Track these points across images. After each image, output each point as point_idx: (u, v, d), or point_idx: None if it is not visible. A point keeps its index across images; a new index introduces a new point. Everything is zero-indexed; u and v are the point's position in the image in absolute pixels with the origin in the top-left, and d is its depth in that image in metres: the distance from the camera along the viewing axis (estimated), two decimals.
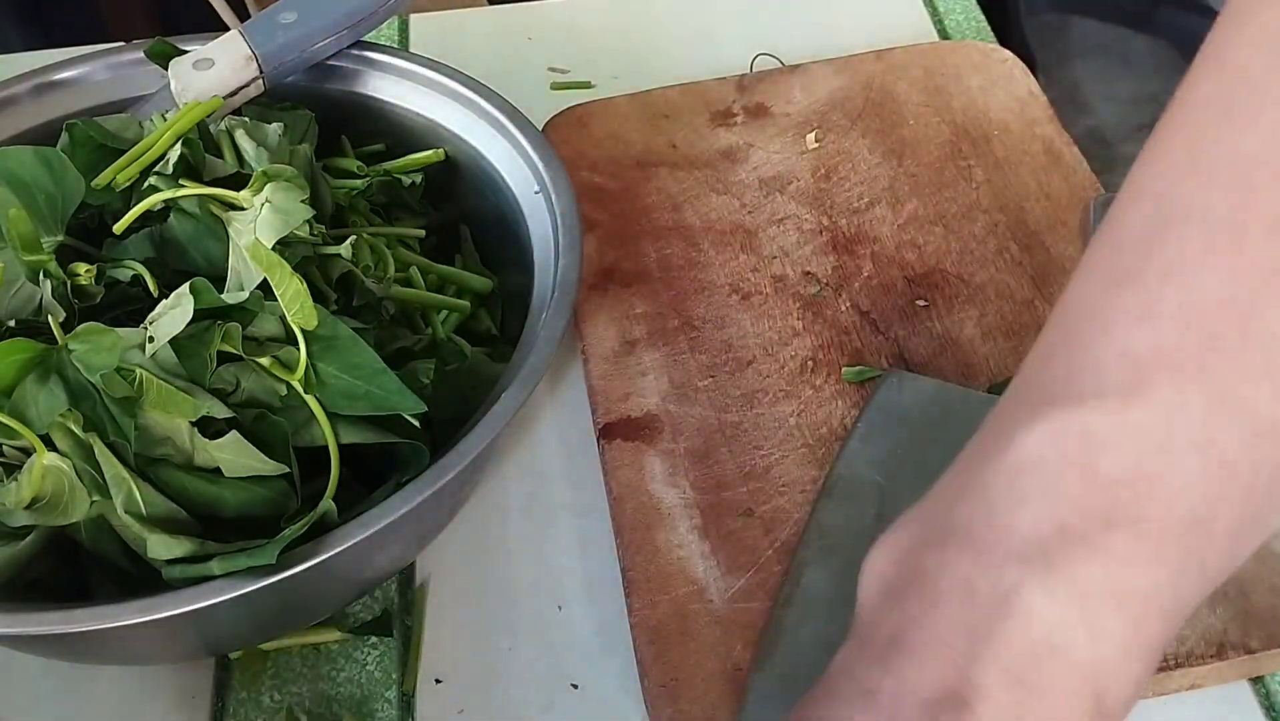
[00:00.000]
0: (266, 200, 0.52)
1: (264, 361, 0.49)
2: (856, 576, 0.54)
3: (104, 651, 0.52)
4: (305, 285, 0.49)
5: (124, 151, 0.57)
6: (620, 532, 0.57)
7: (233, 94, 0.62)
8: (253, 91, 0.63)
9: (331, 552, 0.46)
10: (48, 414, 0.47)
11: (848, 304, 0.67)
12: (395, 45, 0.87)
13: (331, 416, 0.50)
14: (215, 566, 0.45)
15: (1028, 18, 2.08)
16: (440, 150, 0.64)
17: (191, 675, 0.55)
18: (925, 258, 0.69)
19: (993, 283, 0.67)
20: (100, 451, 0.47)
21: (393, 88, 0.66)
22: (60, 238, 0.55)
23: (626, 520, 0.58)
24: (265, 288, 0.50)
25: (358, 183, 0.62)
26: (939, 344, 0.64)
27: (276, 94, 0.64)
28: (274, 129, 0.58)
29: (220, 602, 0.45)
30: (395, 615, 0.57)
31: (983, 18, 0.86)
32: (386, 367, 0.50)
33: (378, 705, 0.54)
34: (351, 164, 0.63)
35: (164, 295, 0.51)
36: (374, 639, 0.56)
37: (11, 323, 0.52)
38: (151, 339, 0.49)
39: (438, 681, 0.55)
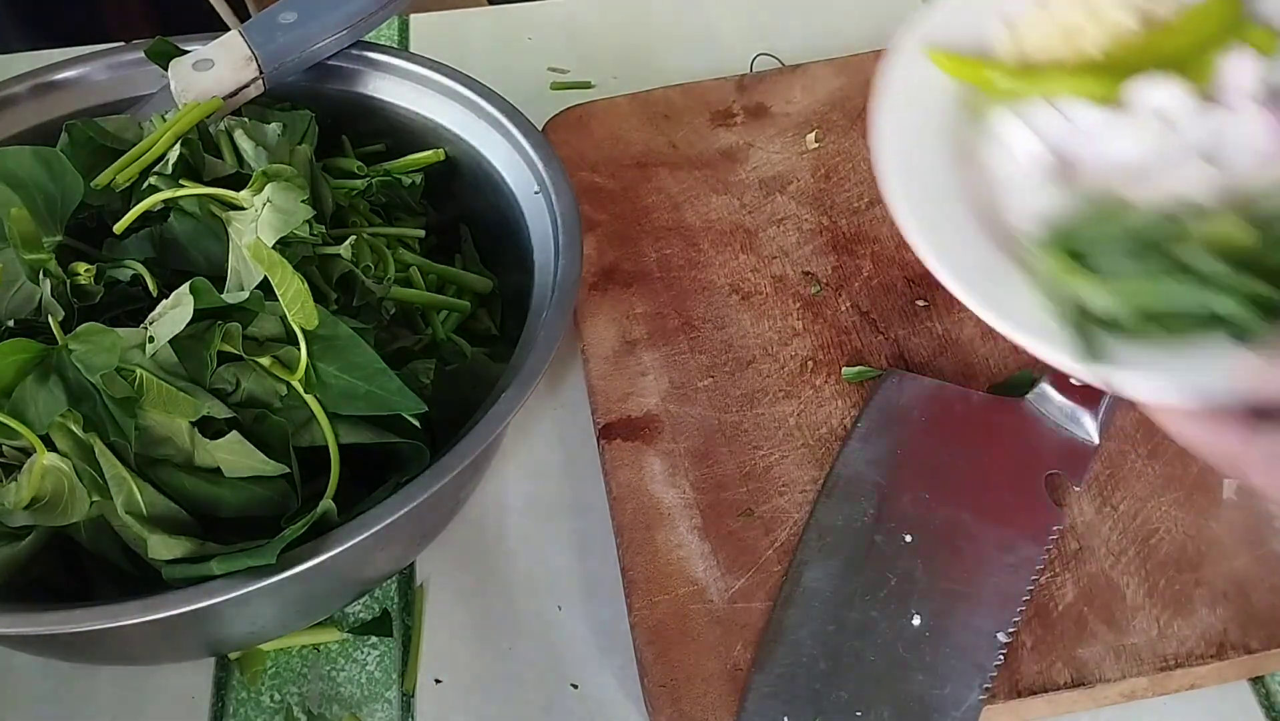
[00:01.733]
0: (267, 200, 0.52)
1: (264, 361, 0.49)
2: (856, 576, 0.54)
3: (104, 651, 0.52)
4: (306, 285, 0.49)
5: (123, 152, 0.57)
6: (620, 532, 0.57)
7: (233, 94, 0.62)
8: (253, 92, 0.63)
9: (331, 553, 0.46)
10: (48, 414, 0.47)
11: (848, 304, 0.67)
12: (395, 45, 0.87)
13: (331, 416, 0.50)
14: (215, 566, 0.45)
15: None
16: (440, 150, 0.64)
17: (191, 675, 0.55)
18: None
19: None
20: (100, 451, 0.47)
21: (393, 88, 0.66)
22: (59, 238, 0.55)
23: (626, 520, 0.58)
24: (265, 287, 0.50)
25: (358, 183, 0.62)
26: (939, 344, 0.64)
27: (276, 94, 0.64)
28: (273, 129, 0.58)
29: (220, 602, 0.45)
30: (395, 615, 0.57)
31: None
32: (387, 368, 0.50)
33: (378, 705, 0.54)
34: (351, 164, 0.63)
35: (164, 295, 0.51)
36: (374, 639, 0.56)
37: (11, 323, 0.52)
38: (152, 339, 0.49)
39: (438, 681, 0.55)
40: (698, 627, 0.54)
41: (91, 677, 0.55)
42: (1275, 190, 0.47)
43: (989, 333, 0.64)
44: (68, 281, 0.53)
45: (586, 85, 0.83)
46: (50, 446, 0.47)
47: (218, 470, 0.49)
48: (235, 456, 0.49)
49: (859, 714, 0.50)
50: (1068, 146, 0.52)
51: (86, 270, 0.53)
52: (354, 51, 0.65)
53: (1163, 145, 0.50)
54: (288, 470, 0.49)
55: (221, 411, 0.49)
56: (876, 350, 0.64)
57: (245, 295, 0.50)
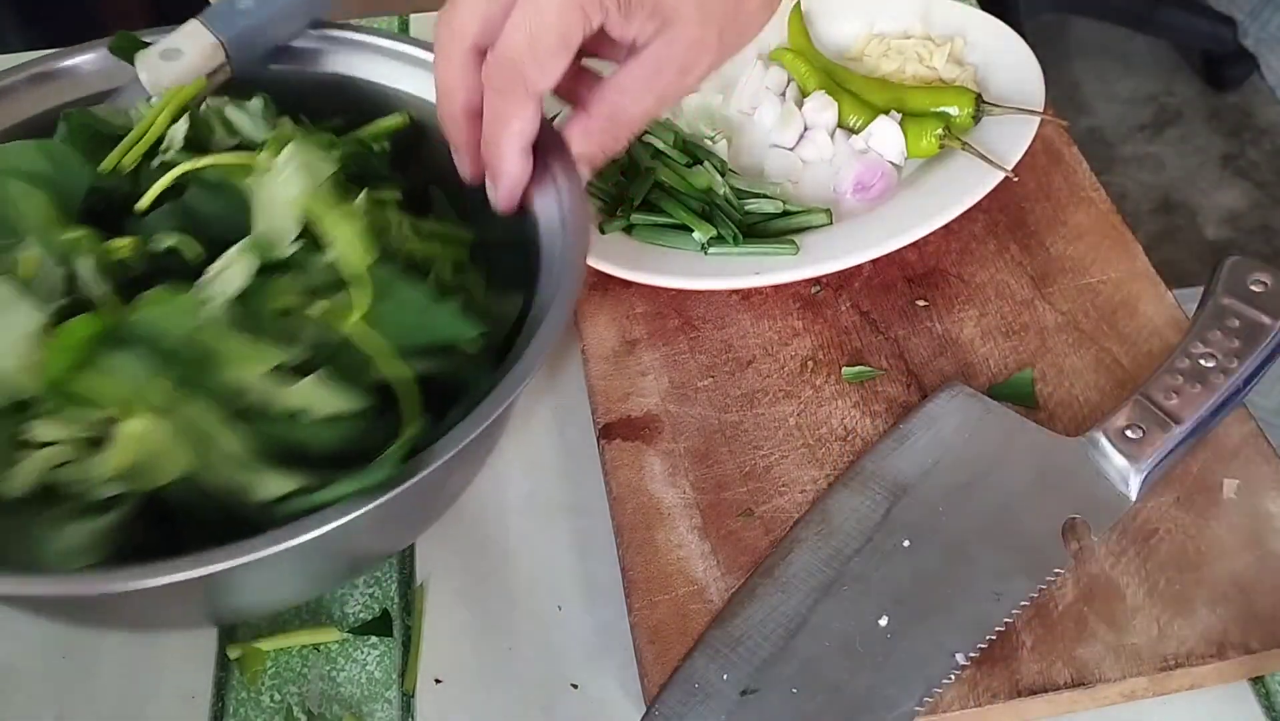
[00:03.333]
0: (293, 157, 0.53)
1: (320, 307, 0.50)
2: (841, 565, 0.54)
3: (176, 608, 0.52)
4: (362, 223, 0.50)
5: (121, 138, 0.57)
6: (620, 532, 0.57)
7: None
8: (221, 78, 0.63)
9: (447, 455, 0.47)
10: (128, 381, 0.47)
11: (848, 304, 0.67)
12: None
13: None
14: (332, 491, 0.46)
15: (1028, 18, 2.08)
16: (405, 113, 0.64)
17: (192, 675, 0.55)
18: (925, 258, 0.69)
19: (993, 283, 0.67)
20: (188, 409, 0.47)
21: (354, 61, 0.66)
22: (71, 230, 0.55)
23: (626, 520, 0.58)
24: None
25: (333, 153, 0.62)
26: (939, 344, 0.64)
27: (238, 81, 0.64)
28: (254, 104, 0.59)
29: (317, 537, 0.45)
30: (395, 615, 0.57)
31: None
32: (438, 300, 0.52)
33: (378, 705, 0.54)
34: (324, 139, 0.63)
35: (206, 262, 0.51)
36: (374, 639, 0.56)
37: (57, 306, 0.52)
38: (213, 298, 0.49)
39: (438, 681, 0.55)
40: (698, 627, 0.54)
41: (92, 677, 0.55)
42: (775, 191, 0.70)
43: (989, 332, 0.64)
44: (108, 258, 0.53)
45: None
46: (133, 414, 0.47)
47: (297, 416, 0.49)
48: (317, 397, 0.49)
49: (794, 690, 0.50)
50: (756, 97, 0.75)
51: (125, 245, 0.53)
52: (312, 32, 0.65)
53: (783, 128, 0.73)
54: (370, 403, 0.50)
55: (295, 357, 0.50)
56: (876, 350, 0.64)
57: (291, 250, 0.51)
